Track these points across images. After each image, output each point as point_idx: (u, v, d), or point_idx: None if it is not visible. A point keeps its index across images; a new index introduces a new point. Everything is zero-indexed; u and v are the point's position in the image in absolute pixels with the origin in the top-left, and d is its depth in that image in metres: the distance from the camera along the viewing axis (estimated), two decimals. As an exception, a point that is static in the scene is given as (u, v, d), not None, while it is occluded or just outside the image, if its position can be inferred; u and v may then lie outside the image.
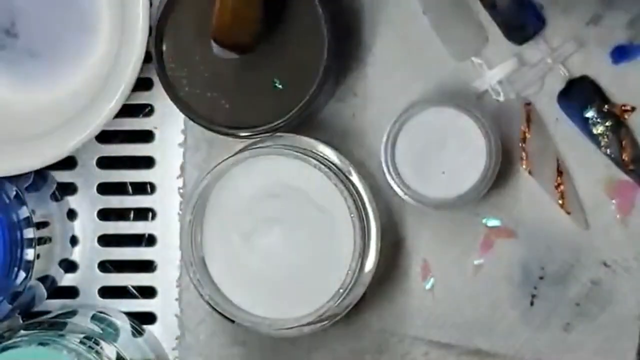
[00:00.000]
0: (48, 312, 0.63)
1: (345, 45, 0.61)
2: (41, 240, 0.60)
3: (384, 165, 0.56)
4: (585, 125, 0.58)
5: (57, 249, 0.62)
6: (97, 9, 0.60)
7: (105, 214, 0.64)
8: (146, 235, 0.64)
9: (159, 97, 0.62)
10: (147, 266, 0.64)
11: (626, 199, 0.58)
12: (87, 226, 0.64)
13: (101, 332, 0.59)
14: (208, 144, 0.62)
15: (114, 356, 0.57)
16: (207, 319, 0.62)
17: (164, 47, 0.56)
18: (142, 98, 0.63)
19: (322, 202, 0.56)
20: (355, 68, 0.61)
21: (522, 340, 0.59)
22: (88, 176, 0.64)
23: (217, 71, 0.56)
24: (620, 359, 0.59)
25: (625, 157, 0.57)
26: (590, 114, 0.57)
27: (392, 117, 0.56)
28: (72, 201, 0.64)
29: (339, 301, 0.55)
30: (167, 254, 0.63)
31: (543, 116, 0.59)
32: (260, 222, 0.57)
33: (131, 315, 0.63)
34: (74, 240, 0.64)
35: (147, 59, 0.56)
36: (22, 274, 0.58)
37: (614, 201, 0.58)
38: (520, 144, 0.58)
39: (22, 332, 0.57)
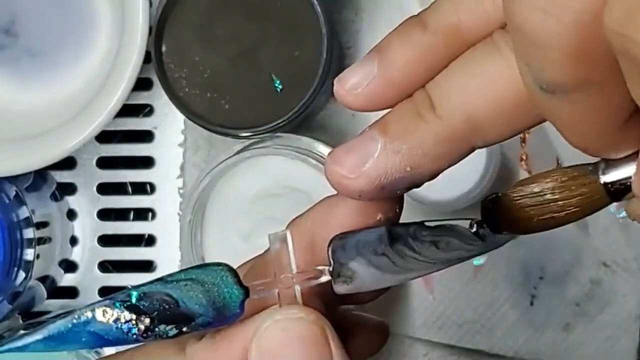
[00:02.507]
0: (48, 312, 0.63)
1: (344, 45, 0.61)
2: (41, 240, 0.60)
3: (383, 165, 0.56)
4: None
5: (57, 249, 0.62)
6: (97, 9, 0.60)
7: (105, 214, 0.64)
8: (146, 235, 0.64)
9: (159, 97, 0.62)
10: (147, 266, 0.64)
11: (626, 199, 0.58)
12: (86, 226, 0.64)
13: (101, 332, 0.59)
14: (208, 144, 0.62)
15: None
16: (207, 319, 0.62)
17: (164, 47, 0.56)
18: (142, 98, 0.63)
19: (322, 202, 0.56)
20: (355, 68, 0.61)
21: (522, 340, 0.59)
22: (88, 176, 0.64)
23: (217, 71, 0.56)
24: (620, 359, 0.59)
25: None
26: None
27: (392, 117, 0.56)
28: (72, 201, 0.64)
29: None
30: (167, 254, 0.63)
31: (543, 116, 0.59)
32: (260, 222, 0.57)
33: (131, 315, 0.63)
34: (73, 240, 0.64)
35: (147, 59, 0.56)
36: (22, 274, 0.58)
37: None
38: (520, 144, 0.58)
39: (22, 332, 0.57)
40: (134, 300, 0.29)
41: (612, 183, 0.29)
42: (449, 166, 0.30)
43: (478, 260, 0.60)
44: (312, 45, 0.55)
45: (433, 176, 0.30)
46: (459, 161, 0.30)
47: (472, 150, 0.30)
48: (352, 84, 0.30)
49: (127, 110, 0.60)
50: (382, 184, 0.30)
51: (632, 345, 0.58)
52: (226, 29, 0.55)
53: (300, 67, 0.55)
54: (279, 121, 0.55)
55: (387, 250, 0.30)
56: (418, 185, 0.31)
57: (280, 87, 0.55)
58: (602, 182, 0.29)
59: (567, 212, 0.30)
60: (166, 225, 0.63)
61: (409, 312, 0.60)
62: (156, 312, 0.29)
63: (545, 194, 0.30)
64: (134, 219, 0.64)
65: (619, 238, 0.58)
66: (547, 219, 0.30)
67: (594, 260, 0.59)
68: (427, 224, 0.31)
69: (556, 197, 0.30)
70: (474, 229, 0.31)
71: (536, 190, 0.30)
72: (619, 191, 0.29)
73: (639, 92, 0.24)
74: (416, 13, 0.30)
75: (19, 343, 0.30)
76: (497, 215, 0.31)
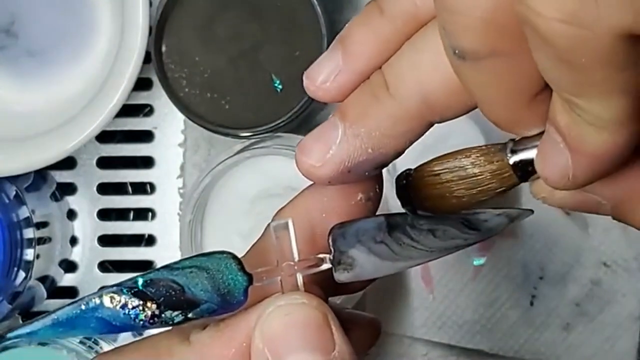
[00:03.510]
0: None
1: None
2: (41, 240, 0.60)
3: (383, 165, 0.56)
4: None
5: (57, 249, 0.62)
6: (97, 9, 0.60)
7: (105, 214, 0.64)
8: (146, 235, 0.64)
9: (159, 97, 0.62)
10: (147, 266, 0.64)
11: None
12: (87, 226, 0.64)
13: (101, 332, 0.59)
14: (208, 144, 0.62)
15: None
16: (207, 319, 0.62)
17: (164, 47, 0.56)
18: (142, 98, 0.63)
19: (322, 202, 0.56)
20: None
21: (522, 340, 0.59)
22: (88, 176, 0.64)
23: (217, 71, 0.56)
24: (620, 359, 0.59)
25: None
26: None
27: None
28: (72, 201, 0.64)
29: (339, 302, 0.55)
30: (167, 254, 0.63)
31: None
32: (260, 222, 0.57)
33: (131, 315, 0.63)
34: (73, 240, 0.64)
35: (147, 59, 0.56)
36: (22, 274, 0.58)
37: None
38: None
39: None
40: (140, 286, 0.29)
41: (519, 162, 0.29)
42: (411, 144, 0.31)
43: (478, 261, 0.60)
44: (312, 45, 0.55)
45: (397, 155, 0.31)
46: (419, 138, 0.31)
47: (430, 126, 0.30)
48: (321, 79, 0.31)
49: (127, 110, 0.60)
50: (347, 167, 0.30)
51: (632, 345, 0.58)
52: (226, 29, 0.55)
53: (300, 67, 0.55)
54: (279, 121, 0.55)
55: (386, 238, 0.31)
56: (385, 165, 0.31)
57: (280, 87, 0.55)
58: (510, 161, 0.29)
59: (479, 189, 0.30)
60: (166, 225, 0.63)
61: (409, 312, 0.60)
62: (162, 298, 0.29)
63: (457, 171, 0.31)
64: (134, 219, 0.64)
65: (619, 238, 0.58)
66: (458, 197, 0.31)
67: (594, 260, 0.59)
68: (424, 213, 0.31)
69: (467, 173, 0.30)
70: (469, 220, 0.32)
71: (449, 166, 0.31)
72: (526, 171, 0.29)
73: (542, 61, 0.24)
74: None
75: (28, 329, 0.30)
76: (410, 193, 0.32)
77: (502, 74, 0.26)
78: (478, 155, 0.30)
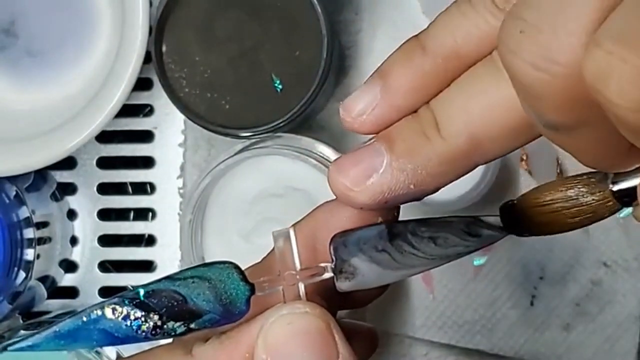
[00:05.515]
0: (48, 312, 0.63)
1: (344, 45, 0.61)
2: (41, 240, 0.60)
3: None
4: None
5: (57, 249, 0.62)
6: (97, 9, 0.60)
7: (105, 214, 0.64)
8: (146, 235, 0.64)
9: (159, 97, 0.62)
10: (147, 266, 0.64)
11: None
12: (87, 226, 0.64)
13: (101, 332, 0.59)
14: (208, 144, 0.62)
15: (114, 356, 0.57)
16: (207, 319, 0.62)
17: (164, 47, 0.56)
18: (142, 98, 0.63)
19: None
20: (354, 68, 0.61)
21: (522, 340, 0.59)
22: (88, 176, 0.64)
23: (217, 71, 0.56)
24: (620, 359, 0.59)
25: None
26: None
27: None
28: (72, 201, 0.64)
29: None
30: (167, 254, 0.63)
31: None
32: (260, 222, 0.57)
33: (131, 315, 0.63)
34: (74, 240, 0.64)
35: (147, 59, 0.56)
36: (22, 274, 0.58)
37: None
38: (520, 144, 0.58)
39: (22, 332, 0.57)
40: (142, 297, 0.29)
41: (622, 190, 0.31)
42: (452, 182, 0.31)
43: (478, 260, 0.60)
44: (312, 45, 0.55)
45: (435, 191, 0.31)
46: (461, 177, 0.31)
47: (475, 167, 0.30)
48: (357, 111, 0.31)
49: (127, 110, 0.60)
50: (386, 198, 0.30)
51: (632, 345, 0.59)
52: (226, 29, 0.55)
53: (300, 67, 0.55)
54: (279, 121, 0.55)
55: (387, 246, 0.31)
56: (420, 199, 0.31)
57: (280, 87, 0.55)
58: (612, 189, 0.31)
59: (585, 217, 0.32)
60: (166, 225, 0.63)
61: (409, 312, 0.60)
62: (165, 309, 0.29)
63: (563, 202, 0.32)
64: (134, 219, 0.64)
65: (619, 238, 0.58)
66: (565, 224, 0.32)
67: (594, 260, 0.59)
68: (425, 220, 0.32)
69: (574, 204, 0.32)
70: (469, 227, 0.32)
71: (554, 198, 0.32)
72: (629, 198, 0.31)
73: (627, 134, 0.24)
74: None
75: (30, 342, 0.30)
76: (517, 222, 0.33)
77: (596, 138, 0.26)
78: (581, 186, 0.32)
